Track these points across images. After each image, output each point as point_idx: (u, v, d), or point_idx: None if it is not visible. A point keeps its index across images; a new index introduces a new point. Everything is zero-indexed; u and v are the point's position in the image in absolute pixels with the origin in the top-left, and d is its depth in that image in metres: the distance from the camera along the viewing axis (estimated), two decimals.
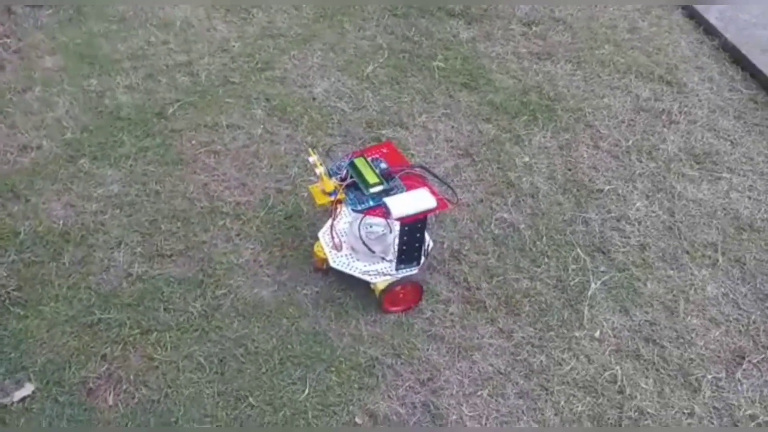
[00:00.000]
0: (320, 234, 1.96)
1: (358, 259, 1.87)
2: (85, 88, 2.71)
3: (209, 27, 3.09)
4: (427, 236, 1.86)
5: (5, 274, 1.97)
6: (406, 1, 3.23)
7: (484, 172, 2.35)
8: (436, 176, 2.02)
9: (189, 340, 1.81)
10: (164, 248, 2.05)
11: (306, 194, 2.23)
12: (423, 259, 1.87)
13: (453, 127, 2.54)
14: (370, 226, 1.84)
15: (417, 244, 1.82)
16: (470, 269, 2.02)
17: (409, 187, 1.81)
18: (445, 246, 2.08)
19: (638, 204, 2.23)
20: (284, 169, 2.35)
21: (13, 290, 1.93)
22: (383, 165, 1.84)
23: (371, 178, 1.79)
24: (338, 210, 1.87)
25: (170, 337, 1.82)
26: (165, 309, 1.88)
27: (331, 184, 1.79)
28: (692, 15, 3.23)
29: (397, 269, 1.83)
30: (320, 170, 1.78)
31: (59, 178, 2.31)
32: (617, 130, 2.54)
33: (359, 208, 1.77)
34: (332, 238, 1.89)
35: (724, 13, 3.18)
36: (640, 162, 2.40)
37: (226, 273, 1.98)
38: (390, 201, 1.73)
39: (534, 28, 3.07)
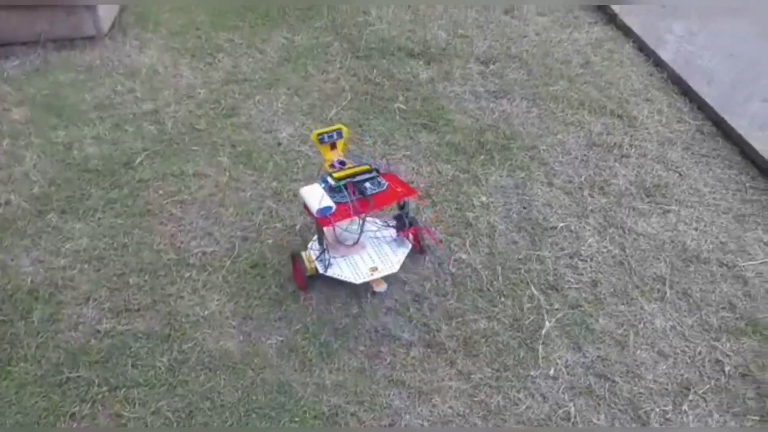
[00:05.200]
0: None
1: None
2: (52, 140, 2.76)
3: (175, 73, 3.16)
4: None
5: None
6: (368, 43, 3.34)
7: (444, 213, 2.44)
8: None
9: (157, 396, 1.86)
10: (132, 302, 2.10)
11: (271, 241, 2.30)
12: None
13: (413, 168, 2.63)
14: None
15: None
16: (431, 312, 2.09)
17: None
18: (406, 290, 2.15)
19: (590, 240, 2.33)
20: (250, 216, 2.42)
21: None
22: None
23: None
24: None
25: (138, 393, 1.86)
26: (132, 365, 1.93)
27: (331, 155, 2.09)
28: (642, 48, 3.37)
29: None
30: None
31: (27, 234, 2.35)
32: (571, 167, 2.64)
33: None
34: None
35: (673, 45, 3.32)
36: (593, 197, 2.50)
37: (193, 326, 2.04)
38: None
39: (491, 66, 3.19)
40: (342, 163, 2.09)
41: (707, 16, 3.53)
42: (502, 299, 2.13)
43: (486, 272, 2.21)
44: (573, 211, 2.44)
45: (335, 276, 2.05)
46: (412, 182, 2.56)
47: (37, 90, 3.02)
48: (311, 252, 2.12)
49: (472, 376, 1.93)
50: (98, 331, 2.02)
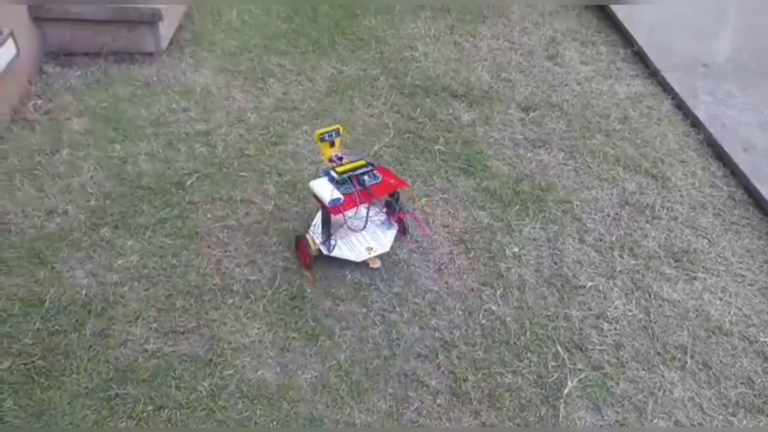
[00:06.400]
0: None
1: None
2: (109, 153, 2.90)
3: (227, 95, 3.29)
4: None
5: (31, 343, 2.15)
6: (413, 79, 3.44)
7: (477, 260, 2.53)
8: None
9: (197, 419, 1.98)
10: (178, 325, 2.23)
11: (309, 275, 2.41)
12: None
13: (450, 212, 2.73)
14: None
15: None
16: (459, 360, 2.19)
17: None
18: (436, 336, 2.25)
19: (617, 302, 2.41)
20: (292, 247, 2.54)
21: (38, 359, 2.10)
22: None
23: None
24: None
25: (180, 415, 1.99)
26: (176, 387, 2.05)
27: (330, 152, 2.41)
28: (680, 106, 3.44)
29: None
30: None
31: (83, 246, 2.49)
32: (603, 224, 2.72)
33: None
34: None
35: (711, 106, 3.39)
36: (622, 258, 2.58)
37: (234, 353, 2.16)
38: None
39: (531, 114, 3.28)
40: (340, 158, 2.41)
41: (747, 79, 3.59)
42: (528, 354, 2.22)
43: (514, 326, 2.31)
44: (602, 271, 2.53)
45: (338, 256, 2.39)
46: (448, 226, 2.67)
47: (97, 102, 3.17)
48: (314, 236, 2.43)
49: (495, 429, 2.03)
50: (146, 350, 2.15)
